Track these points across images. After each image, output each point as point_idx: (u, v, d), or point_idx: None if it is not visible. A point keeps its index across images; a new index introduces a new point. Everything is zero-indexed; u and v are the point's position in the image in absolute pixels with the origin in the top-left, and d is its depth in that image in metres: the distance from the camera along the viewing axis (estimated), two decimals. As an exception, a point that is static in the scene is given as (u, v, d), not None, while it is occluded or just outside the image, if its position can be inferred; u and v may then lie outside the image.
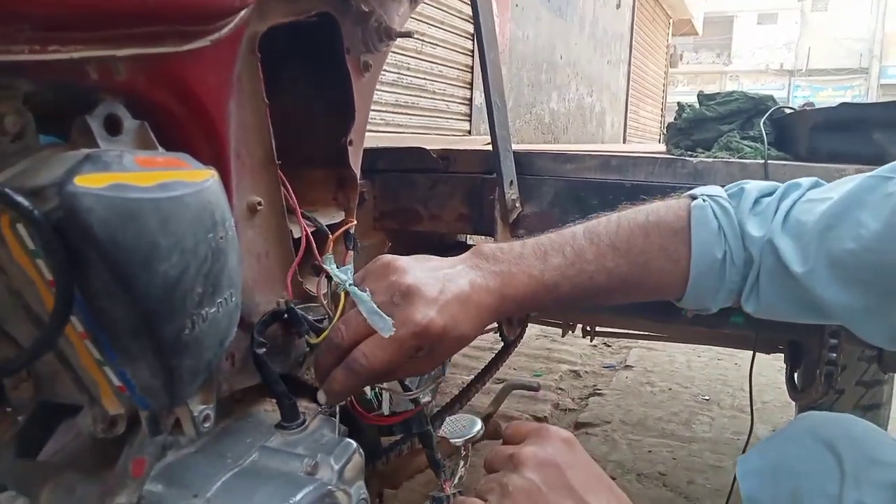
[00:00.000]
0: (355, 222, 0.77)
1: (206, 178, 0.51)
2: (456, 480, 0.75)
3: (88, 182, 0.42)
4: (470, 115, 5.04)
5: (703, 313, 0.78)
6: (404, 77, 4.12)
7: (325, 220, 0.75)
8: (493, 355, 1.35)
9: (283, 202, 0.68)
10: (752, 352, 1.85)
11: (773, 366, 3.03)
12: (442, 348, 0.63)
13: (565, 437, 0.61)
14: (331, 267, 0.67)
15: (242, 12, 0.55)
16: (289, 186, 0.70)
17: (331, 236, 0.70)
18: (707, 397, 2.76)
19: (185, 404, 0.54)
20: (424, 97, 4.41)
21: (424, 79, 4.41)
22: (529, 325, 1.85)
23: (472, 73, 4.92)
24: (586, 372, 3.09)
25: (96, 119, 0.49)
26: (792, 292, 0.69)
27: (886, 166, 0.65)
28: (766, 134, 1.22)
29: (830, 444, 0.72)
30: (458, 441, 0.75)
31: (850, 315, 0.67)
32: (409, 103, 4.21)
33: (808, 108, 1.26)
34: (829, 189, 0.70)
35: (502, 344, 1.37)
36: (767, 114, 1.28)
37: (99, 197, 0.42)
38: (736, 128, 1.29)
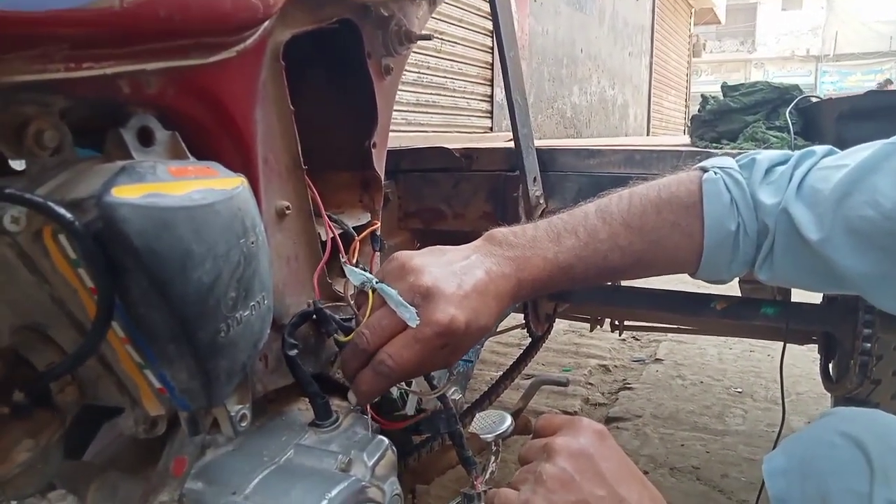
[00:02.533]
0: (379, 224, 0.78)
1: (236, 185, 0.52)
2: (487, 476, 0.76)
3: (125, 193, 0.43)
4: (491, 112, 5.04)
5: (717, 284, 0.78)
6: (425, 76, 4.14)
7: (351, 222, 0.77)
8: (521, 351, 1.35)
9: (311, 206, 0.69)
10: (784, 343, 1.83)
11: (807, 357, 2.99)
12: (466, 341, 0.64)
13: (597, 428, 0.61)
14: (353, 268, 0.68)
15: (266, 23, 0.57)
16: (315, 190, 0.71)
17: (357, 238, 0.71)
18: (740, 389, 2.73)
19: (222, 404, 0.55)
20: (445, 95, 4.43)
21: (445, 77, 4.42)
22: (557, 319, 1.85)
23: (492, 69, 4.92)
24: (616, 366, 3.08)
25: (130, 131, 0.51)
26: (806, 260, 0.69)
27: None
28: (793, 124, 1.21)
29: (858, 440, 0.71)
30: (489, 437, 0.76)
31: (867, 283, 0.66)
32: (430, 102, 4.23)
33: (834, 97, 1.24)
34: (844, 156, 0.69)
35: (530, 340, 1.37)
36: (793, 103, 1.27)
37: (135, 207, 0.43)
38: (761, 118, 1.28)
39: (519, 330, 3.43)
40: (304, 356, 0.69)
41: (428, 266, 0.64)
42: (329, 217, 0.73)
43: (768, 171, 0.72)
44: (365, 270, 0.68)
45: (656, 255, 0.73)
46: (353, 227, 0.76)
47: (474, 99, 4.90)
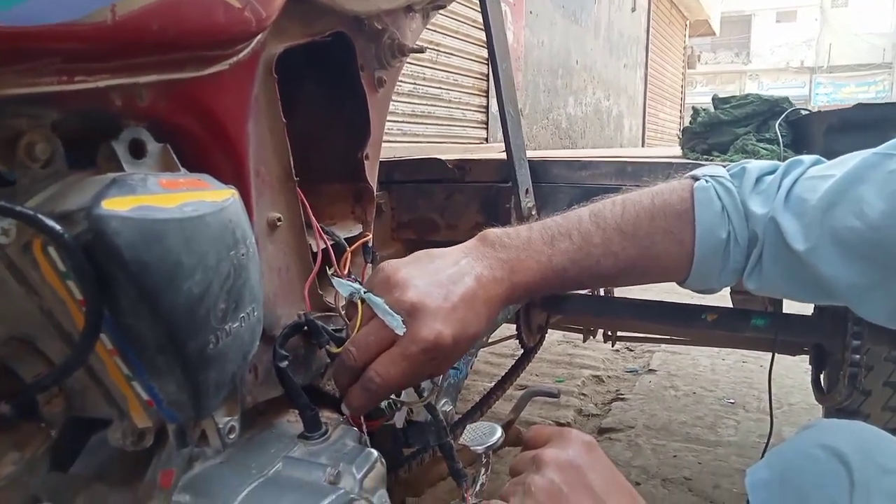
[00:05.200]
0: (371, 235, 0.78)
1: (227, 197, 0.52)
2: (477, 488, 0.75)
3: (115, 205, 0.44)
4: (486, 123, 5.06)
5: (706, 294, 0.78)
6: (420, 86, 4.16)
7: (343, 234, 0.77)
8: (514, 362, 1.35)
9: (302, 217, 0.70)
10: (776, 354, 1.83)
11: (799, 367, 2.99)
12: (455, 352, 0.64)
13: (586, 440, 0.61)
14: (341, 279, 0.68)
15: (259, 36, 0.57)
16: (307, 202, 0.72)
17: (348, 249, 0.72)
18: (732, 401, 2.74)
19: (210, 417, 0.55)
20: (440, 106, 4.44)
21: (440, 88, 4.44)
22: (550, 330, 1.85)
23: (487, 81, 4.94)
24: (609, 377, 3.08)
25: (121, 144, 0.51)
26: (793, 270, 0.69)
27: (889, 143, 0.64)
28: (782, 136, 1.22)
29: (840, 453, 0.71)
30: (479, 448, 0.76)
31: (853, 293, 0.66)
32: (424, 113, 4.24)
33: (822, 110, 1.25)
34: (831, 166, 0.70)
35: (522, 351, 1.38)
36: (783, 116, 1.28)
37: (125, 219, 0.43)
38: (752, 130, 1.29)
39: (513, 341, 3.44)
40: (295, 368, 0.69)
41: (413, 279, 0.63)
42: (321, 228, 0.73)
43: (758, 180, 0.73)
44: (355, 281, 0.68)
45: (648, 262, 0.73)
46: (345, 239, 0.76)
47: (469, 110, 4.92)
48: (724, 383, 2.95)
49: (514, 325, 1.38)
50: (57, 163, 0.49)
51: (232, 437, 0.57)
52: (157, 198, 0.47)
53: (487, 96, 5.02)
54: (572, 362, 3.27)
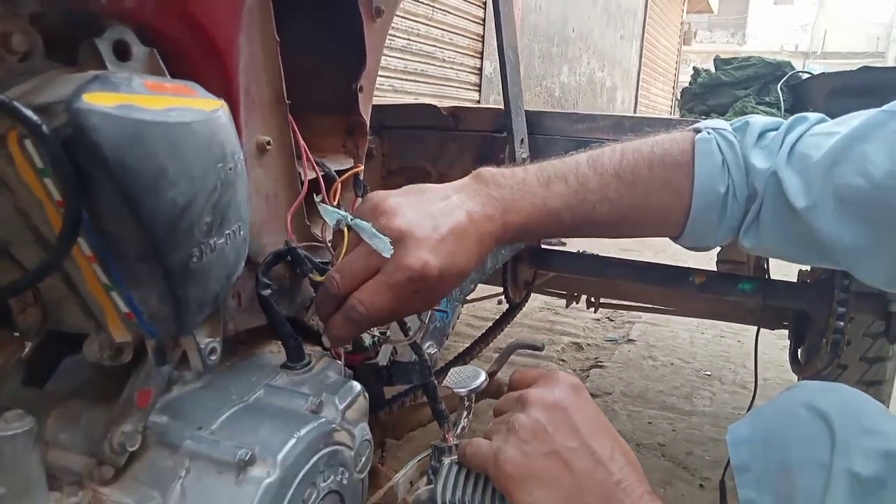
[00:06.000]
0: (363, 168, 0.76)
1: (215, 107, 0.50)
2: (458, 431, 0.75)
3: (97, 100, 0.41)
4: (479, 85, 5.00)
5: (700, 251, 0.77)
6: (414, 43, 4.08)
7: (333, 167, 0.75)
8: (499, 317, 1.34)
9: (293, 144, 0.67)
10: (755, 327, 1.85)
11: (775, 344, 3.04)
12: (442, 286, 0.62)
13: (573, 381, 0.61)
14: (327, 206, 0.66)
15: (255, -60, 0.54)
16: (297, 130, 0.69)
17: (338, 180, 0.69)
18: (709, 373, 2.77)
19: (191, 336, 0.54)
20: (434, 65, 4.37)
21: (434, 46, 4.36)
22: (532, 296, 1.85)
23: (482, 42, 4.87)
24: (588, 345, 3.10)
25: (105, 42, 0.48)
26: (792, 228, 0.68)
27: None
28: (783, 100, 1.21)
29: (823, 413, 0.71)
30: (462, 391, 0.75)
31: (851, 253, 0.66)
32: (418, 70, 4.17)
33: (825, 73, 1.23)
34: (836, 124, 0.69)
35: (507, 308, 1.37)
36: (784, 79, 1.26)
37: (108, 116, 0.41)
38: (752, 93, 1.27)
39: (493, 304, 3.44)
40: (279, 298, 0.67)
41: (402, 207, 0.61)
42: (311, 158, 0.70)
43: (761, 135, 0.72)
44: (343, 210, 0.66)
45: (645, 213, 0.72)
46: (336, 172, 0.74)
47: (463, 70, 4.85)
48: (701, 356, 2.99)
49: (500, 285, 1.37)
50: (35, 58, 0.46)
51: (213, 358, 0.55)
52: (142, 98, 0.44)
53: (482, 58, 4.95)
54: (553, 329, 3.29)
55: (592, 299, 2.25)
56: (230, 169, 0.50)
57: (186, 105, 0.48)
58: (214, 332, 0.56)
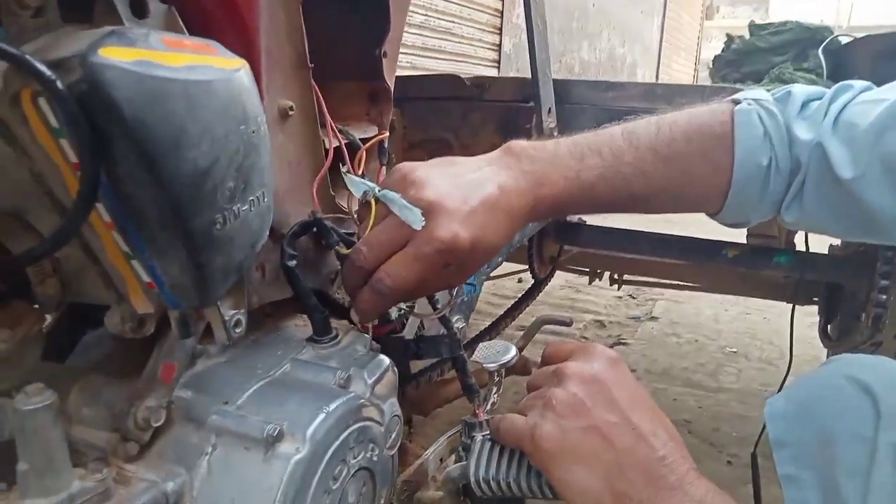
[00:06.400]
0: (388, 134, 0.73)
1: (236, 66, 0.47)
2: (488, 406, 0.73)
3: (114, 55, 0.39)
4: (498, 62, 4.93)
5: (739, 227, 0.74)
6: (432, 19, 4.02)
7: (357, 135, 0.72)
8: (524, 292, 1.31)
9: (316, 109, 0.65)
10: (781, 304, 1.80)
11: (801, 321, 2.96)
12: (472, 260, 0.60)
13: (611, 355, 0.58)
14: (354, 177, 0.64)
15: None
16: (321, 95, 0.67)
17: (363, 148, 0.67)
18: (734, 349, 2.73)
19: (215, 307, 0.52)
20: (452, 41, 4.31)
21: (452, 21, 4.29)
22: (554, 274, 1.82)
23: (501, 17, 4.78)
24: (611, 322, 3.06)
25: (121, -2, 0.46)
26: (837, 201, 0.65)
27: None
28: (825, 66, 1.15)
29: (865, 385, 0.68)
30: (492, 366, 0.72)
31: None
32: (435, 47, 4.11)
33: (871, 35, 1.17)
34: (884, 90, 0.65)
35: (532, 283, 1.34)
36: (824, 44, 1.21)
37: (125, 71, 0.39)
38: (789, 59, 1.22)
39: (514, 282, 3.41)
40: (304, 271, 0.65)
41: (432, 178, 0.59)
42: (334, 126, 0.68)
43: (804, 104, 0.68)
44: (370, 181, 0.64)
45: (682, 188, 0.68)
46: (360, 140, 0.71)
47: (482, 47, 4.78)
48: (726, 333, 2.94)
49: (524, 257, 1.34)
50: (49, 13, 0.44)
51: (238, 331, 0.53)
52: (161, 55, 0.42)
53: (501, 34, 4.87)
54: (574, 307, 3.26)
55: (616, 276, 2.22)
56: (253, 132, 0.48)
57: (207, 63, 0.45)
58: (239, 303, 0.54)
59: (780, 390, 1.54)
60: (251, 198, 0.49)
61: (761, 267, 1.20)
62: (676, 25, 10.94)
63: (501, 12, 4.78)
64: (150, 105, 0.40)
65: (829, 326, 1.87)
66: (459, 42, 4.42)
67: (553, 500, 0.60)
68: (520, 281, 3.38)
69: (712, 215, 0.72)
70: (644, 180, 0.66)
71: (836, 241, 1.81)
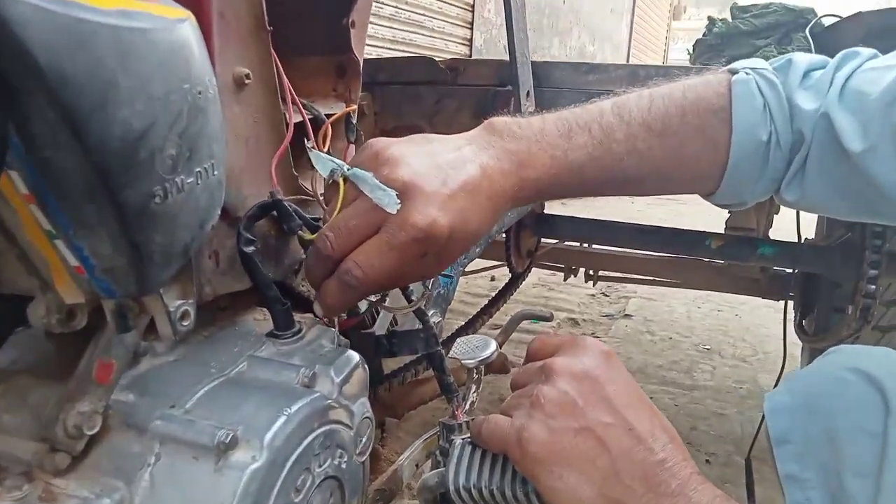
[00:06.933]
0: (356, 108, 0.67)
1: (180, 16, 0.41)
2: (467, 406, 0.67)
3: (24, -11, 0.32)
4: (469, 56, 4.88)
5: (734, 209, 0.69)
6: (402, 11, 3.95)
7: (323, 111, 0.66)
8: (500, 289, 1.26)
9: (276, 80, 0.58)
10: (753, 300, 1.78)
11: (775, 318, 2.98)
12: (451, 249, 0.54)
13: (603, 348, 0.53)
14: (320, 153, 0.57)
15: None
16: (281, 68, 0.60)
17: (328, 121, 0.60)
18: (708, 346, 2.71)
19: (158, 296, 0.45)
20: (422, 34, 4.24)
21: (423, 15, 4.23)
22: (531, 268, 1.77)
23: (472, 12, 4.74)
24: (584, 320, 3.03)
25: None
26: (844, 176, 0.60)
27: None
28: (813, 49, 1.12)
29: (872, 377, 0.64)
30: (471, 362, 0.66)
31: None
32: (406, 40, 4.05)
33: (861, 12, 1.14)
34: (894, 56, 0.61)
35: (509, 277, 1.29)
36: (810, 25, 1.18)
37: (38, 9, 0.32)
38: (773, 42, 1.18)
39: (488, 281, 3.36)
40: (264, 260, 0.59)
41: (408, 157, 0.53)
42: (297, 100, 0.62)
43: (806, 74, 0.64)
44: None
45: (677, 166, 0.63)
46: (326, 116, 0.65)
47: (452, 41, 4.72)
48: (699, 330, 2.93)
49: (498, 254, 1.29)
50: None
51: (185, 324, 0.47)
52: (86, -6, 0.35)
53: (472, 29, 4.82)
54: (547, 304, 3.22)
55: (590, 272, 2.19)
56: (199, 93, 0.42)
57: (143, 9, 0.39)
58: (186, 293, 0.48)
59: (775, 386, 1.51)
60: (198, 169, 0.42)
61: (745, 258, 1.16)
62: (645, 25, 11.03)
63: (473, 6, 4.74)
64: (72, 52, 0.33)
65: (804, 321, 1.85)
66: (430, 35, 4.35)
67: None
68: (492, 279, 3.33)
69: (707, 196, 0.67)
70: (637, 159, 0.61)
71: (812, 234, 1.80)
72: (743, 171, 0.63)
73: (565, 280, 2.22)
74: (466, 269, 1.54)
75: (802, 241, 1.61)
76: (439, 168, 0.53)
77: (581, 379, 0.50)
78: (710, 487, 0.47)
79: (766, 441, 0.70)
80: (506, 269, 1.71)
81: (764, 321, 2.99)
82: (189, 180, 0.41)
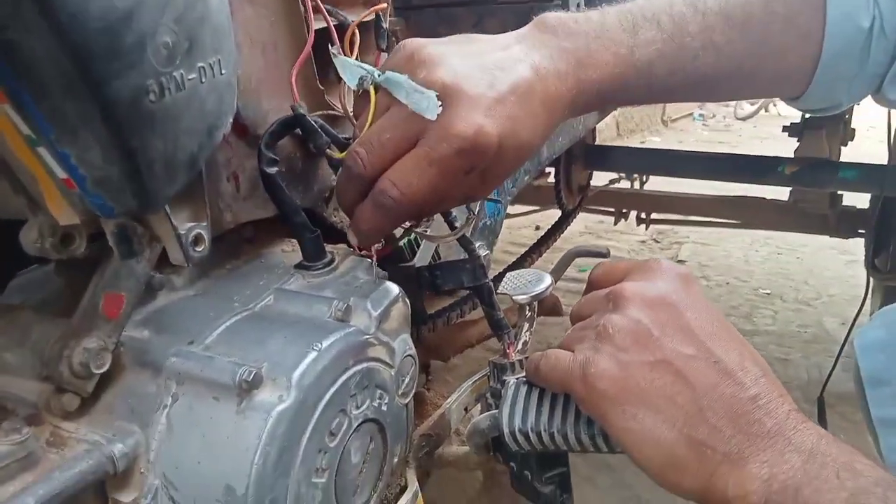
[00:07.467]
0: (387, 6, 0.60)
1: None
2: (520, 346, 0.60)
3: None
4: None
5: (825, 113, 0.60)
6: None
7: (351, 17, 0.58)
8: (552, 225, 1.19)
9: (294, -23, 0.51)
10: (813, 243, 1.65)
11: (838, 260, 2.84)
12: (500, 164, 0.47)
13: (681, 271, 0.46)
14: (347, 59, 0.50)
15: None
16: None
17: (353, 23, 0.53)
18: (768, 291, 2.59)
19: (165, 216, 0.39)
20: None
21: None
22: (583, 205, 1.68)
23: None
24: (635, 267, 2.93)
25: None
26: None
27: None
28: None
29: None
30: (524, 298, 0.60)
31: None
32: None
33: None
34: None
35: (560, 214, 1.21)
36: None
37: None
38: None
39: (532, 230, 3.27)
40: (290, 186, 0.53)
41: (447, 57, 0.46)
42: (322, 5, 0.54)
43: None
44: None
45: (760, 62, 0.55)
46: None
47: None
48: (758, 274, 2.80)
49: (554, 184, 1.19)
50: None
51: (199, 249, 0.41)
52: None
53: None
54: (597, 252, 3.13)
55: (643, 216, 2.08)
56: (198, -29, 0.35)
57: None
58: (199, 215, 0.42)
59: (851, 326, 1.39)
60: (200, 64, 0.36)
61: (823, 183, 1.06)
62: None
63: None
64: None
65: (876, 259, 1.73)
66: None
67: (608, 454, 0.48)
68: (537, 228, 3.24)
69: (793, 100, 0.58)
70: (714, 54, 0.53)
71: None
72: (838, 66, 0.54)
73: (615, 224, 2.12)
74: (509, 211, 1.46)
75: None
76: (485, 69, 0.46)
77: (656, 306, 0.43)
78: (813, 427, 0.40)
79: (840, 384, 0.63)
80: (550, 218, 1.63)
81: (827, 263, 2.84)
82: (191, 76, 0.35)
